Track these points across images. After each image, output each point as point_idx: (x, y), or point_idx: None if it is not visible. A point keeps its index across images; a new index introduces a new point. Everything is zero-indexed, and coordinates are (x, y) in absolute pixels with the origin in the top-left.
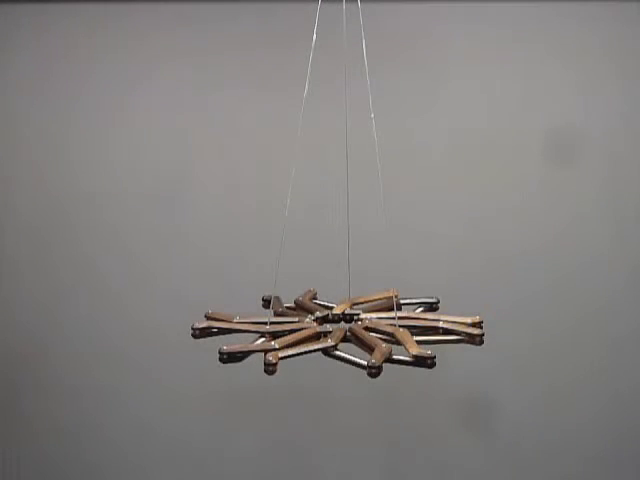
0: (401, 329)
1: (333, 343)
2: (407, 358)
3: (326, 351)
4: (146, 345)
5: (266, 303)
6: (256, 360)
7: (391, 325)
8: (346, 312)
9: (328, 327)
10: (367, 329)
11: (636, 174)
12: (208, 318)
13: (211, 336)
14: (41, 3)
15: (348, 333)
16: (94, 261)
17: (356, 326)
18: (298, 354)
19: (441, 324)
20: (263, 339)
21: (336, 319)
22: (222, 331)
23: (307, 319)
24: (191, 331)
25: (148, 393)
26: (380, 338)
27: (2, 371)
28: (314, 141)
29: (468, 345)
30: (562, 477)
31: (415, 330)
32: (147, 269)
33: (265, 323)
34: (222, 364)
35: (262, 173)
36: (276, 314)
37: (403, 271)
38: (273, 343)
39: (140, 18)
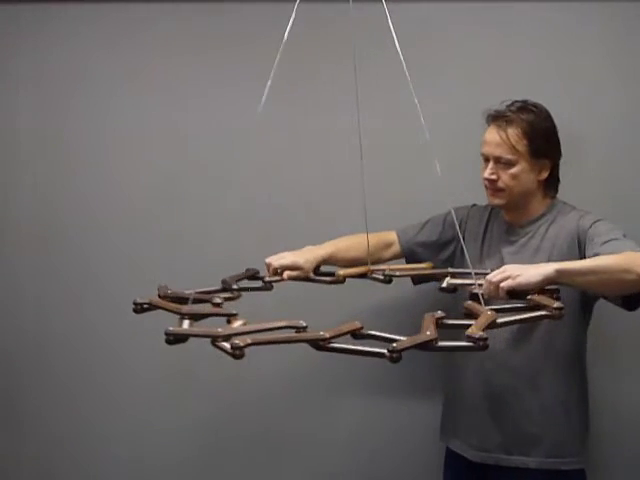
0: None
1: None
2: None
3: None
4: (145, 345)
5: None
6: (255, 359)
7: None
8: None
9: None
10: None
11: (636, 174)
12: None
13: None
14: (41, 3)
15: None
16: (92, 261)
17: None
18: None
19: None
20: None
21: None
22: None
23: None
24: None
25: (146, 394)
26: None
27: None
28: (316, 140)
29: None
30: None
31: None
32: (146, 269)
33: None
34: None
35: (263, 173)
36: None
37: None
38: (220, 330)
39: (141, 19)
